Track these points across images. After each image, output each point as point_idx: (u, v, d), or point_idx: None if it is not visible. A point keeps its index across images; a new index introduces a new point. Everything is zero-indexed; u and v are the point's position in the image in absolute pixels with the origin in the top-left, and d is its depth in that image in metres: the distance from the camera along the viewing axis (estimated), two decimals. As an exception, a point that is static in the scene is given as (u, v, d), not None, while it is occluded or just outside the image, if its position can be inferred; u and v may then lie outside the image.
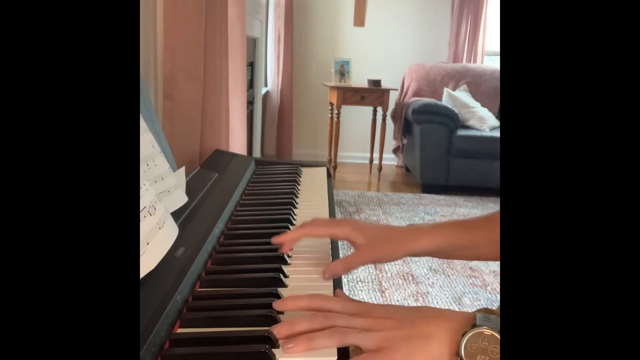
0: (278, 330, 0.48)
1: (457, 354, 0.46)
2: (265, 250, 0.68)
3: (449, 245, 0.67)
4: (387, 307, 0.52)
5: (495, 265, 2.38)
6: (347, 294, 0.58)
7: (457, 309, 1.96)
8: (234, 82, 1.61)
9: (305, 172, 1.13)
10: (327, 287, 0.60)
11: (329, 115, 3.98)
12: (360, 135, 4.40)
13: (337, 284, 0.62)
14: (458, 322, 0.48)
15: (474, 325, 0.47)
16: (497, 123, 3.71)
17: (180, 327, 0.51)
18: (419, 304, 1.97)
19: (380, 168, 3.98)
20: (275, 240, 0.66)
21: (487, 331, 0.46)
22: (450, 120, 3.45)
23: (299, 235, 0.66)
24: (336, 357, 0.46)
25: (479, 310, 0.73)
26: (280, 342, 0.47)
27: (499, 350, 0.45)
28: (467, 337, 0.46)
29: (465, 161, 3.47)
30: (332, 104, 3.84)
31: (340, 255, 0.68)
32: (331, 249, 0.71)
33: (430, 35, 4.34)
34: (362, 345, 0.48)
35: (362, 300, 0.53)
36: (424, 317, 0.50)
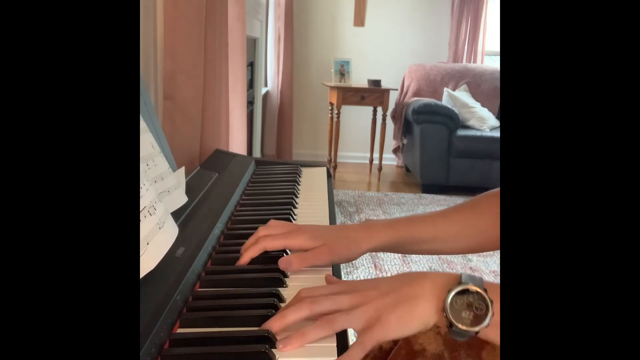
0: (270, 325, 0.48)
1: (443, 309, 0.47)
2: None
3: (405, 240, 0.68)
4: (370, 280, 0.52)
5: (496, 265, 2.38)
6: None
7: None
8: (234, 82, 1.61)
9: (305, 172, 1.13)
10: (327, 287, 0.60)
11: (329, 115, 3.98)
12: (360, 135, 4.40)
13: (337, 284, 0.62)
14: (442, 280, 0.49)
15: (460, 283, 0.47)
16: (497, 123, 3.71)
17: (180, 327, 0.51)
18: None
19: (380, 168, 3.98)
20: (237, 264, 0.65)
21: (473, 288, 0.46)
22: (450, 120, 3.45)
23: (256, 253, 0.65)
24: (335, 350, 0.47)
25: None
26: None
27: (483, 306, 0.46)
28: (452, 293, 0.47)
29: (465, 161, 3.47)
30: (332, 104, 3.84)
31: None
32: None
33: (430, 35, 4.34)
34: (352, 327, 0.48)
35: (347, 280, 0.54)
36: (408, 280, 0.50)
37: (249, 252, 0.65)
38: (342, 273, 0.67)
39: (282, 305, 0.55)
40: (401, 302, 0.48)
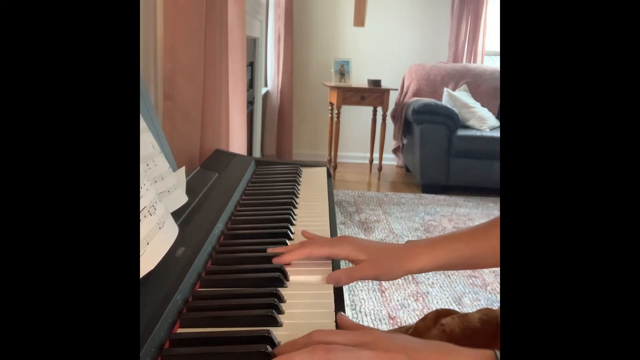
0: None
1: None
2: (265, 250, 0.68)
3: (449, 261, 0.67)
4: (398, 338, 0.47)
5: (495, 265, 2.38)
6: (347, 294, 0.57)
7: (457, 309, 1.96)
8: (234, 82, 1.61)
9: (305, 172, 1.13)
10: (328, 287, 0.60)
11: (329, 115, 3.98)
12: (360, 135, 4.40)
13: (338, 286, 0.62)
14: None
15: None
16: (497, 123, 3.71)
17: (180, 327, 0.51)
18: (419, 304, 1.97)
19: (380, 168, 3.98)
20: (276, 260, 0.65)
21: None
22: (450, 120, 3.46)
23: (299, 256, 0.65)
24: None
25: (480, 311, 0.73)
26: None
27: None
28: None
29: (465, 161, 3.47)
30: (332, 104, 3.84)
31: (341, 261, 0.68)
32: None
33: (430, 35, 4.34)
34: None
35: (366, 327, 0.48)
36: (438, 353, 0.45)
37: (292, 255, 0.65)
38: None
39: (282, 305, 0.55)
40: None
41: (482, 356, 0.44)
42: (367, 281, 2.14)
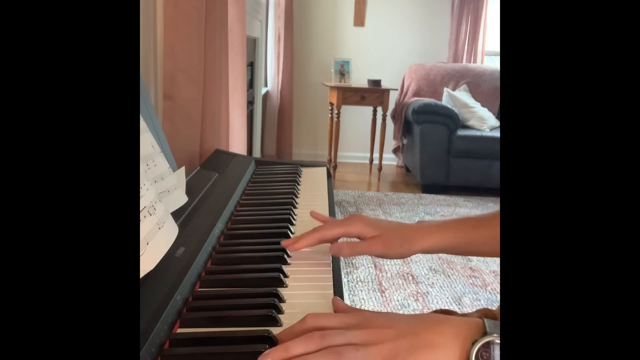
0: (273, 356, 0.44)
1: None
2: (265, 250, 0.68)
3: (458, 243, 0.68)
4: (386, 316, 0.49)
5: (496, 265, 2.38)
6: (347, 294, 0.58)
7: (457, 309, 1.96)
8: (234, 82, 1.61)
9: (305, 172, 1.13)
10: (327, 287, 0.60)
11: (329, 115, 3.99)
12: (360, 135, 4.40)
13: (337, 284, 0.62)
14: (464, 328, 0.45)
15: (485, 333, 0.44)
16: (497, 123, 3.71)
17: (180, 327, 0.51)
18: (419, 304, 1.97)
19: (380, 168, 3.98)
20: (290, 248, 0.66)
21: (499, 339, 0.43)
22: (450, 120, 3.46)
23: (312, 241, 0.66)
24: None
25: (479, 311, 0.73)
26: None
27: None
28: (478, 345, 0.43)
29: (465, 161, 3.48)
30: (332, 104, 3.84)
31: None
32: (331, 249, 0.71)
33: (430, 35, 4.34)
34: None
35: (359, 309, 0.50)
36: (427, 324, 0.46)
37: (305, 240, 0.66)
38: (342, 273, 0.67)
39: (282, 305, 0.55)
40: (419, 348, 0.44)
41: (470, 324, 0.46)
42: (367, 281, 2.14)
